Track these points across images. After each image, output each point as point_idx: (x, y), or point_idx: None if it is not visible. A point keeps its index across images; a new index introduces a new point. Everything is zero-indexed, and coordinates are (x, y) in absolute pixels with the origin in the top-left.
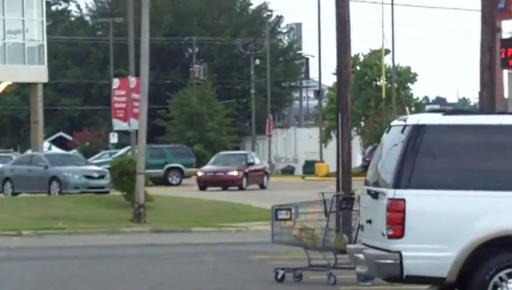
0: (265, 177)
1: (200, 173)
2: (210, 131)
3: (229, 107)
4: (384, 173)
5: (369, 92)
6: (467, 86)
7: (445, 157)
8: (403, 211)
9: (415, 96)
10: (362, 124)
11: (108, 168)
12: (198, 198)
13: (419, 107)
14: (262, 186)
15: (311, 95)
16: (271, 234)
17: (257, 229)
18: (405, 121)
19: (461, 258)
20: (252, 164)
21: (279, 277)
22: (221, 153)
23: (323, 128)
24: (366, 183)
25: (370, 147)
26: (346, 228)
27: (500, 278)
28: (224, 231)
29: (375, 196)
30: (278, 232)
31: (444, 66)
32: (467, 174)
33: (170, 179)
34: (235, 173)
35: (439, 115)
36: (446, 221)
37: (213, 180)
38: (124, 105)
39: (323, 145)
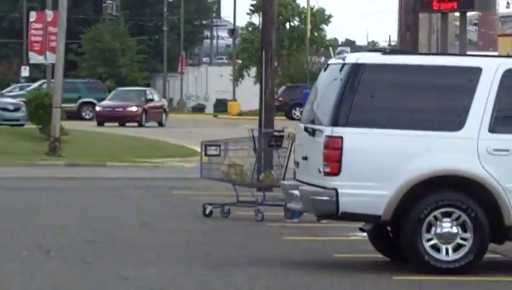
0: (163, 115)
1: (98, 108)
2: (122, 67)
3: (141, 43)
4: (322, 110)
5: (282, 32)
6: (376, 29)
7: (383, 97)
8: (340, 149)
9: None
10: (275, 63)
11: (23, 102)
12: (114, 133)
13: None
14: (160, 124)
15: (222, 34)
16: (200, 169)
17: (172, 166)
18: (343, 59)
19: (396, 196)
20: (151, 100)
21: (207, 212)
22: (119, 88)
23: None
24: (302, 120)
25: (283, 87)
26: (275, 165)
27: (435, 217)
28: (140, 166)
29: (312, 133)
30: (206, 167)
31: (353, 9)
32: (404, 114)
33: (83, 113)
34: (134, 108)
35: (378, 54)
36: (382, 160)
37: (111, 116)
38: (40, 38)
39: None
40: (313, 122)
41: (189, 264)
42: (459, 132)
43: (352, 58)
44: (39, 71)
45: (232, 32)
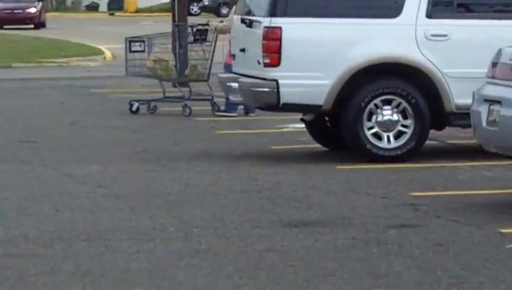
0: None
1: None
2: None
3: None
4: (259, 1)
5: None
6: None
7: None
8: (279, 39)
9: None
10: None
11: None
12: (16, 34)
13: None
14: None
15: None
16: (125, 66)
17: (78, 65)
18: None
19: (337, 85)
20: None
21: (134, 108)
22: None
23: None
24: (237, 12)
25: None
26: (200, 60)
27: (376, 105)
28: (46, 66)
29: (249, 24)
30: (131, 64)
31: None
32: (342, 2)
33: None
34: (33, 10)
35: None
36: (322, 49)
37: (12, 18)
38: None
39: None
40: (249, 13)
41: (130, 161)
42: (397, 18)
43: None
44: None
45: None
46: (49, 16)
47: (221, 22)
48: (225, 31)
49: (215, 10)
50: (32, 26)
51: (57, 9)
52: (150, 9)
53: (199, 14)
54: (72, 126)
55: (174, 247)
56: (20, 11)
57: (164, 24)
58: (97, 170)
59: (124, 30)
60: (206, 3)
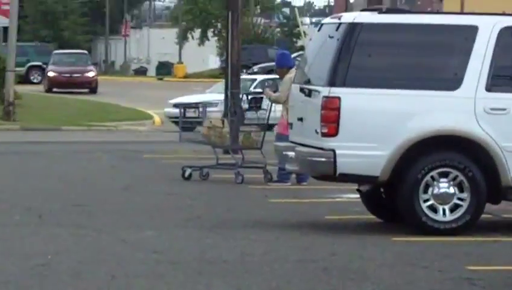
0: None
1: (51, 74)
2: (65, 30)
3: (83, 6)
4: (318, 71)
5: None
6: None
7: (380, 56)
8: (338, 109)
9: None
10: (219, 25)
11: None
12: (65, 97)
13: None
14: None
15: None
16: (179, 132)
17: (127, 129)
18: (339, 19)
19: (394, 157)
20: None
21: (186, 174)
22: (59, 51)
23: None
24: (296, 81)
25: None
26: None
27: (432, 178)
28: (94, 129)
29: (308, 94)
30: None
31: None
32: (401, 73)
33: (32, 77)
34: (91, 74)
35: (375, 13)
36: (380, 120)
37: (70, 82)
38: None
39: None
40: (308, 82)
41: (184, 227)
42: (456, 91)
43: (348, 17)
44: None
45: None
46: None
47: (275, 91)
48: (279, 100)
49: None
50: (87, 90)
51: (105, 73)
52: (199, 75)
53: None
54: (125, 191)
55: None
56: (79, 75)
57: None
58: (152, 236)
59: (175, 95)
60: (255, 70)
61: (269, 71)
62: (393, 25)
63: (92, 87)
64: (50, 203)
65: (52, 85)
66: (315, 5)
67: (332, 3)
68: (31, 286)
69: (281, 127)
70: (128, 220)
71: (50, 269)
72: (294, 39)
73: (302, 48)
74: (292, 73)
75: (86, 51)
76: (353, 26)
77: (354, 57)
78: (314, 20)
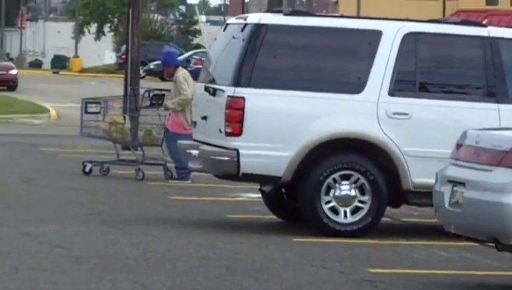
0: None
1: None
2: None
3: None
4: (223, 70)
5: None
6: None
7: (285, 58)
8: (242, 109)
9: None
10: (115, 20)
11: None
12: None
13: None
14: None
15: None
16: (80, 126)
17: (22, 122)
18: (245, 19)
19: (297, 158)
20: None
21: (87, 169)
22: None
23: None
24: (200, 80)
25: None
26: (155, 124)
27: (334, 180)
28: None
29: (212, 93)
30: (86, 125)
31: None
32: (306, 75)
33: None
34: (14, 71)
35: (280, 15)
36: (284, 121)
37: None
38: None
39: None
40: (213, 82)
41: (86, 222)
42: (359, 94)
43: (254, 18)
44: None
45: None
46: None
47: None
48: (186, 99)
49: (159, 74)
50: (5, 88)
51: None
52: (95, 70)
53: (143, 77)
54: (25, 184)
55: None
56: (4, 72)
57: (109, 85)
58: (54, 230)
59: (71, 89)
60: (151, 66)
61: None
62: (299, 27)
63: (13, 85)
64: None
65: None
66: (210, 3)
67: (227, 2)
68: None
69: (176, 125)
70: (30, 214)
71: None
72: (191, 37)
73: (198, 46)
74: (181, 71)
75: None
76: (259, 27)
77: (259, 57)
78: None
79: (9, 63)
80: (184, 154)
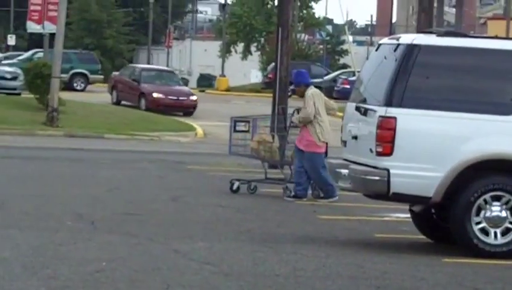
0: None
1: (155, 95)
2: (108, 38)
3: (127, 15)
4: (375, 90)
5: (271, 8)
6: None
7: (437, 78)
8: (394, 129)
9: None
10: (262, 40)
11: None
12: (108, 105)
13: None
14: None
15: (204, 8)
16: (229, 145)
17: (169, 140)
18: (398, 40)
19: (447, 179)
20: None
21: (234, 187)
22: (147, 67)
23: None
24: (351, 99)
25: (273, 64)
26: None
27: (485, 201)
28: (137, 139)
29: (364, 112)
30: (235, 143)
31: None
32: (458, 96)
33: (75, 84)
34: (194, 97)
35: (433, 35)
36: (435, 141)
37: (173, 106)
38: (39, 8)
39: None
40: (364, 101)
41: (236, 240)
42: (511, 115)
43: (407, 39)
44: (23, 40)
45: (223, 7)
46: None
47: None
48: (308, 116)
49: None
50: (182, 113)
51: None
52: (241, 89)
53: (291, 96)
54: (174, 201)
55: None
56: (185, 98)
57: (255, 104)
58: (204, 247)
59: (217, 108)
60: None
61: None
62: (452, 48)
63: (192, 111)
64: (100, 211)
65: (155, 106)
66: (357, 24)
67: (374, 22)
68: None
69: (311, 145)
70: (179, 231)
71: (105, 276)
72: (337, 56)
73: (345, 66)
74: (311, 89)
75: (172, 69)
76: (412, 48)
77: (411, 78)
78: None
79: (188, 89)
80: (333, 173)
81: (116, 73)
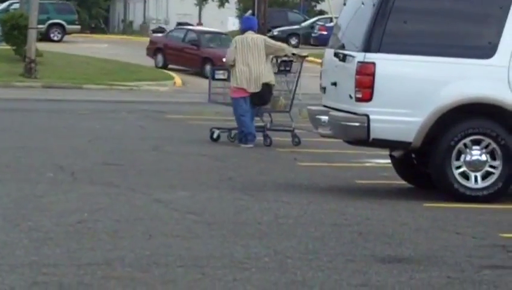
0: None
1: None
2: None
3: None
4: (353, 36)
5: None
6: None
7: (415, 23)
8: (373, 75)
9: None
10: None
11: None
12: (87, 56)
13: None
14: None
15: None
16: (208, 93)
17: (148, 89)
18: None
19: (427, 123)
20: None
21: (214, 136)
22: (208, 30)
23: None
24: (329, 46)
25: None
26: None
27: (465, 145)
28: (116, 89)
29: (342, 58)
30: (214, 92)
31: None
32: (436, 41)
33: (52, 35)
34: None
35: None
36: (414, 86)
37: None
38: None
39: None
40: (342, 47)
41: (217, 188)
42: (490, 59)
43: None
44: None
45: None
46: (115, 38)
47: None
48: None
49: (284, 41)
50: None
51: (124, 33)
52: None
53: None
54: (155, 151)
55: (270, 277)
56: None
57: None
58: (186, 196)
59: None
60: (275, 33)
61: (289, 35)
62: None
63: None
64: (81, 162)
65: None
66: None
67: None
68: (70, 243)
69: (230, 90)
70: (161, 180)
71: (87, 227)
72: (314, 3)
73: (322, 12)
74: (239, 36)
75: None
76: None
77: (389, 23)
78: None
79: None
80: (313, 120)
81: (158, 35)
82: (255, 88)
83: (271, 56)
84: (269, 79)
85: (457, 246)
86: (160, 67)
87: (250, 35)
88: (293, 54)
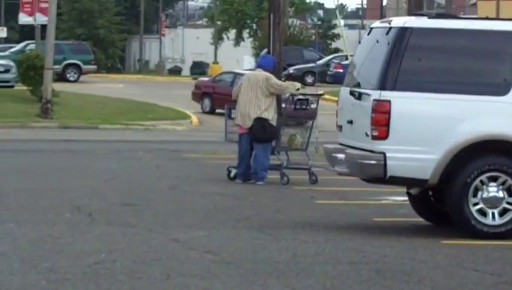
0: None
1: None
2: (100, 28)
3: (118, 5)
4: (369, 74)
5: None
6: None
7: (430, 61)
8: (388, 113)
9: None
10: (254, 26)
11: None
12: (103, 95)
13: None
14: None
15: None
16: (225, 132)
17: (165, 128)
18: (389, 23)
19: (444, 160)
20: None
21: (231, 175)
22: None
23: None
24: (345, 84)
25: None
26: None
27: (481, 182)
28: (132, 128)
29: (358, 97)
30: (230, 131)
31: None
32: (451, 78)
33: (68, 75)
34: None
35: (425, 18)
36: (430, 124)
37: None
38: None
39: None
40: (358, 86)
41: (234, 227)
42: (506, 96)
43: (398, 22)
44: (14, 32)
45: None
46: (131, 77)
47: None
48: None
49: (299, 79)
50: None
51: (139, 72)
52: None
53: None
54: (172, 191)
55: None
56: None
57: None
58: (203, 236)
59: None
60: (290, 71)
61: (305, 73)
62: (444, 30)
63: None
64: (98, 202)
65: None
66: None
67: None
68: (88, 284)
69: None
70: (178, 220)
71: (105, 267)
72: (329, 41)
73: (337, 50)
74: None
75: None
76: (403, 31)
77: (404, 61)
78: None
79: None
80: (329, 158)
81: (204, 79)
82: (243, 123)
83: (288, 95)
84: (263, 115)
85: (475, 283)
86: (207, 112)
87: (258, 72)
88: (297, 90)
